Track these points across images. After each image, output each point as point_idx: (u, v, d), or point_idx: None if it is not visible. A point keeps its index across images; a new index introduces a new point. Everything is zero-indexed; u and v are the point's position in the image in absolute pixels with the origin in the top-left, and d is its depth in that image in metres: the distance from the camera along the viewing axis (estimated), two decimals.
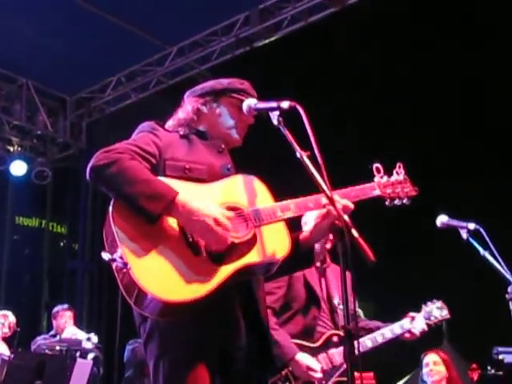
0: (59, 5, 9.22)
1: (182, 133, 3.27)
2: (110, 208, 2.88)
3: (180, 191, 2.88)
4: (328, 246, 4.41)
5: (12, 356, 6.70)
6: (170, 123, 3.38)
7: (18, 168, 11.34)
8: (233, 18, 9.95)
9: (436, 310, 4.98)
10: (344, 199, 3.13)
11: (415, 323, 4.85)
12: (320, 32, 9.20)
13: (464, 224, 4.49)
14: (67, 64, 10.51)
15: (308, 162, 2.86)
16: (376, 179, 3.46)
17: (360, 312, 5.10)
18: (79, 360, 7.19)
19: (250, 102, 3.22)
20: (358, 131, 9.11)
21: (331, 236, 4.57)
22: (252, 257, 2.96)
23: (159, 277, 2.76)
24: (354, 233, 2.75)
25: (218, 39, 10.21)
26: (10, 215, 12.31)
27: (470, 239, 4.44)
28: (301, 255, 3.22)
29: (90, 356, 7.73)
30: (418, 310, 5.03)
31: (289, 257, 3.04)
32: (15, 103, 11.41)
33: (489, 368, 5.90)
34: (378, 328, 4.87)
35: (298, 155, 2.89)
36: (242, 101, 3.32)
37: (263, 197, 3.15)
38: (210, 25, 10.11)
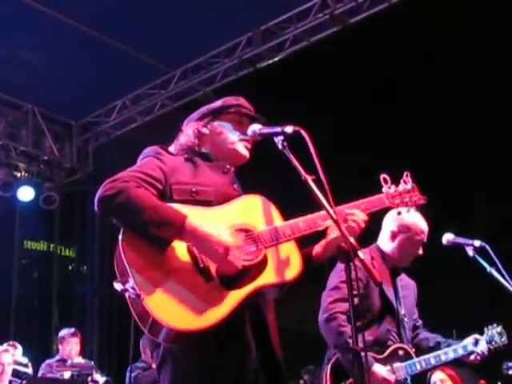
0: (61, 31, 9.27)
1: (186, 156, 3.26)
2: (120, 237, 2.87)
3: (189, 215, 2.88)
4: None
5: (25, 382, 6.72)
6: (172, 148, 3.37)
7: (26, 193, 11.35)
8: (235, 40, 9.96)
9: (497, 336, 4.74)
10: (357, 210, 3.17)
11: (479, 346, 4.67)
12: (323, 52, 9.25)
13: (470, 241, 4.51)
14: (72, 89, 10.55)
15: (313, 185, 2.86)
16: (384, 189, 3.42)
17: (420, 322, 4.95)
18: None
19: (254, 128, 3.22)
20: (360, 146, 9.13)
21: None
22: (263, 279, 2.94)
23: (172, 307, 2.76)
24: (361, 255, 2.77)
25: (221, 61, 10.22)
26: (18, 240, 12.34)
27: (476, 256, 4.47)
28: (312, 271, 3.17)
29: (102, 380, 7.74)
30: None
31: (301, 275, 3.04)
32: (21, 129, 11.44)
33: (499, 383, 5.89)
34: (439, 344, 4.77)
35: (303, 179, 2.89)
36: (240, 115, 3.36)
37: (272, 216, 3.13)
38: (213, 47, 10.13)
